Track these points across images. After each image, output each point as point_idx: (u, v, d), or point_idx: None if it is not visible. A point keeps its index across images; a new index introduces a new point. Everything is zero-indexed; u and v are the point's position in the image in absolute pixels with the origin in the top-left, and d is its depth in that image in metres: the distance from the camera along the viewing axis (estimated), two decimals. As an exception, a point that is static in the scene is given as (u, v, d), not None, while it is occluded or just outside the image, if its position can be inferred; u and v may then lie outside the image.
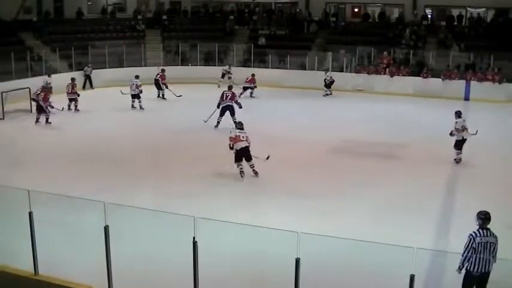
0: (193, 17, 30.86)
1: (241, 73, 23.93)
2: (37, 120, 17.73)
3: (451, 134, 13.41)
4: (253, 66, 25.62)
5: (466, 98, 22.66)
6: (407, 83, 23.71)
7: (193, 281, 6.66)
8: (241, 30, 29.42)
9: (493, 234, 6.70)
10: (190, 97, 21.37)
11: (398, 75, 24.08)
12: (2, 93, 18.31)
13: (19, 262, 7.69)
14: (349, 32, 27.80)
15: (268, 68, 25.49)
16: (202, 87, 23.23)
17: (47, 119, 17.79)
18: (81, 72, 23.90)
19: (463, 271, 6.74)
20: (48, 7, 28.73)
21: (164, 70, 22.54)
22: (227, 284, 7.62)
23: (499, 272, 6.75)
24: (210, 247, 6.95)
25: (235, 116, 16.83)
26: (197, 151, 14.35)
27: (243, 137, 12.35)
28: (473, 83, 22.85)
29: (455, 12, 28.07)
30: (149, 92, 21.00)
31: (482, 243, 6.60)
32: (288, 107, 20.77)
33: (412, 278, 5.69)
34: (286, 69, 25.61)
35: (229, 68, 24.41)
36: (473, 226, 6.79)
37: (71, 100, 19.62)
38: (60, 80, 21.32)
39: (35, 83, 19.69)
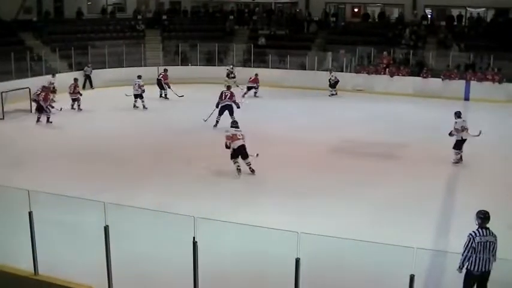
0: (193, 17, 30.86)
1: (241, 73, 24.05)
2: (38, 120, 17.75)
3: (451, 134, 13.40)
4: (253, 66, 25.59)
5: (466, 98, 22.66)
6: (407, 83, 23.71)
7: (193, 281, 6.66)
8: (241, 30, 29.42)
9: (492, 233, 6.70)
10: (192, 97, 21.36)
11: (398, 75, 24.08)
12: (2, 93, 18.31)
13: (19, 262, 7.68)
14: (349, 32, 27.80)
15: (268, 68, 25.47)
16: (203, 87, 23.21)
17: (48, 118, 17.83)
18: (81, 72, 23.90)
19: (464, 270, 6.75)
20: (48, 7, 28.72)
21: (167, 70, 22.61)
22: (227, 284, 7.62)
23: (499, 272, 6.76)
24: (210, 247, 6.94)
25: (234, 115, 16.86)
26: (197, 151, 14.35)
27: (239, 135, 12.46)
28: (473, 83, 22.85)
29: (455, 12, 28.07)
30: (151, 91, 21.01)
31: (482, 243, 6.60)
32: (288, 107, 20.78)
33: (412, 278, 5.69)
34: (286, 69, 25.61)
35: (232, 68, 24.50)
36: (473, 226, 6.79)
37: (73, 100, 19.74)
38: (60, 80, 21.38)
39: (35, 83, 19.67)
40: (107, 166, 13.30)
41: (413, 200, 11.01)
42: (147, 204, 8.56)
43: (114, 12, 30.90)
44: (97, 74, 24.34)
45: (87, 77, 24.03)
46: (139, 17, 29.44)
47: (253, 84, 22.81)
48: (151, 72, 23.05)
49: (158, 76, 22.36)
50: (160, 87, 22.14)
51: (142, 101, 20.01)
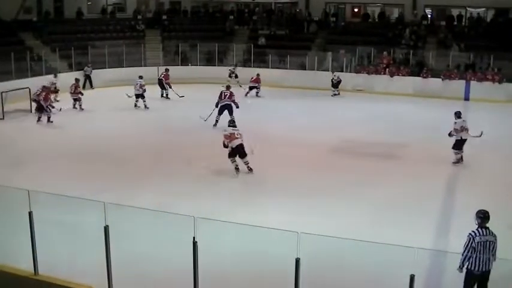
0: (193, 17, 30.86)
1: (242, 73, 24.17)
2: (39, 119, 17.80)
3: (450, 134, 13.38)
4: (253, 67, 25.61)
5: (466, 98, 22.66)
6: (407, 83, 23.71)
7: (193, 281, 6.66)
8: (241, 30, 29.41)
9: (492, 233, 6.70)
10: (193, 97, 21.33)
11: (398, 75, 24.08)
12: (1, 93, 18.30)
13: (19, 262, 7.68)
14: (349, 32, 27.80)
15: (268, 68, 25.45)
16: (203, 87, 23.19)
17: (49, 118, 17.86)
18: (81, 72, 23.90)
19: (464, 270, 6.74)
20: (48, 7, 28.72)
21: (168, 70, 22.64)
22: (227, 284, 7.62)
23: (499, 272, 6.76)
24: (210, 247, 6.94)
25: (234, 115, 16.92)
26: (197, 151, 14.35)
27: (237, 134, 12.56)
28: (473, 83, 22.85)
29: (455, 12, 28.07)
30: (152, 91, 21.02)
31: (482, 242, 6.60)
32: (288, 107, 20.78)
33: (412, 278, 5.69)
34: (286, 69, 25.61)
35: (235, 69, 24.58)
36: (473, 226, 6.78)
37: (75, 100, 19.83)
38: (61, 80, 21.48)
39: (35, 83, 19.67)
40: (107, 166, 13.30)
41: (413, 200, 11.01)
42: (147, 204, 8.55)
43: (114, 12, 30.90)
44: (97, 74, 24.35)
45: (87, 77, 24.03)
46: (139, 17, 29.44)
47: (255, 84, 22.89)
48: (151, 72, 23.05)
49: (159, 76, 22.39)
50: (161, 87, 22.17)
51: (144, 101, 20.05)
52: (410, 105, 21.03)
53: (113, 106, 20.34)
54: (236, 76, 24.12)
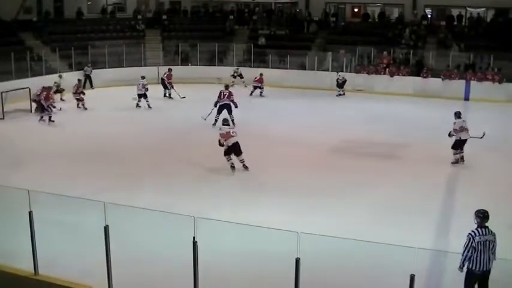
0: (193, 17, 30.85)
1: (244, 73, 24.33)
2: (41, 118, 17.92)
3: (450, 134, 13.37)
4: (253, 66, 25.60)
5: (466, 98, 22.66)
6: (407, 83, 23.70)
7: (193, 281, 6.66)
8: (241, 30, 29.41)
9: (491, 232, 6.71)
10: (194, 97, 21.33)
11: (398, 75, 24.07)
12: (2, 93, 18.32)
13: (19, 262, 7.68)
14: (349, 32, 27.79)
15: (268, 68, 25.42)
16: (204, 87, 23.17)
17: (50, 117, 17.92)
18: (81, 72, 23.92)
19: (464, 270, 6.74)
20: (48, 7, 28.72)
21: (171, 70, 22.70)
22: (227, 284, 7.62)
23: (499, 272, 6.76)
24: (210, 247, 6.94)
25: (233, 114, 17.14)
26: (197, 150, 14.36)
27: (233, 132, 12.74)
28: (473, 83, 22.84)
29: (455, 12, 28.06)
30: (154, 91, 21.02)
31: (482, 242, 6.60)
32: (288, 107, 20.78)
33: (412, 278, 5.68)
34: (286, 69, 25.60)
35: (238, 69, 24.69)
36: (473, 226, 6.78)
37: (77, 100, 19.96)
38: (64, 80, 21.67)
39: (35, 83, 19.71)
40: (107, 166, 13.31)
41: (413, 200, 11.01)
42: (147, 204, 8.54)
43: (114, 12, 30.89)
44: (97, 74, 24.35)
45: (87, 77, 24.03)
46: (139, 16, 29.43)
47: (259, 84, 23.04)
48: (151, 72, 23.05)
49: (162, 75, 22.45)
50: (164, 87, 22.25)
51: (147, 101, 20.11)
52: (410, 105, 21.03)
53: (113, 106, 20.36)
54: (241, 76, 24.35)
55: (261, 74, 23.24)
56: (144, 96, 20.04)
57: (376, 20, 28.98)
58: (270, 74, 24.53)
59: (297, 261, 6.07)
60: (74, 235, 8.83)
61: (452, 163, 13.38)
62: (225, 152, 12.67)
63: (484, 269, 6.64)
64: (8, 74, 20.59)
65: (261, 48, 26.95)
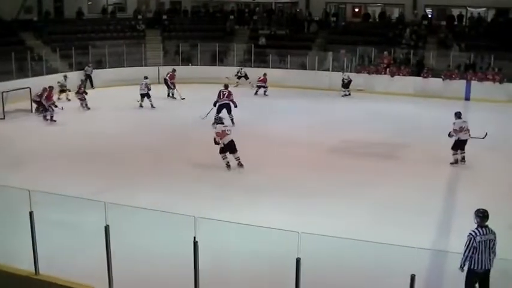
0: (193, 17, 30.85)
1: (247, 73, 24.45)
2: (45, 118, 18.04)
3: (449, 135, 13.36)
4: (254, 66, 25.64)
5: (467, 98, 22.67)
6: (407, 83, 23.70)
7: (193, 280, 6.66)
8: (241, 30, 29.42)
9: (491, 231, 6.71)
10: (196, 97, 21.30)
11: (398, 75, 24.07)
12: (2, 93, 18.33)
13: (20, 262, 7.69)
14: (349, 32, 27.80)
15: (268, 68, 25.43)
16: (204, 87, 23.16)
17: (52, 117, 17.98)
18: (82, 72, 23.93)
19: (465, 270, 6.73)
20: (49, 7, 28.73)
21: (175, 70, 22.81)
22: (228, 284, 7.62)
23: (499, 272, 6.76)
24: (210, 247, 6.94)
25: (232, 114, 17.26)
26: (197, 150, 14.34)
27: (228, 130, 12.89)
28: (473, 83, 22.84)
29: (455, 12, 28.07)
30: (156, 91, 21.01)
31: (483, 241, 6.61)
32: (289, 106, 20.78)
33: (412, 277, 5.69)
34: (287, 69, 25.62)
35: (241, 69, 24.81)
36: (474, 226, 6.78)
37: (80, 99, 20.08)
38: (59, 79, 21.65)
39: (36, 82, 19.75)
40: (108, 166, 13.32)
41: (413, 200, 11.01)
42: (147, 204, 8.55)
43: (115, 12, 30.89)
44: (97, 74, 24.37)
45: (88, 77, 24.06)
46: (139, 16, 29.43)
47: (262, 84, 23.19)
48: (152, 72, 23.02)
49: (165, 75, 22.50)
50: (168, 87, 22.29)
51: (150, 100, 20.17)
52: (410, 105, 21.03)
53: (113, 106, 20.39)
54: (246, 77, 24.51)
55: (265, 74, 23.40)
56: (147, 95, 20.10)
57: (377, 20, 28.98)
58: (270, 74, 24.50)
59: (298, 261, 6.07)
60: (75, 235, 8.83)
61: (452, 164, 13.37)
62: (220, 150, 12.80)
63: (485, 268, 6.64)
64: (9, 74, 20.62)
65: (261, 48, 26.96)
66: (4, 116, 18.24)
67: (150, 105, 20.15)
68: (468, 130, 13.25)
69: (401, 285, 5.87)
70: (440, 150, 14.00)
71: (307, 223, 8.81)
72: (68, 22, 28.22)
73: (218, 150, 12.82)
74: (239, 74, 24.73)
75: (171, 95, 22.36)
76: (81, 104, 20.04)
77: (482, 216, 6.74)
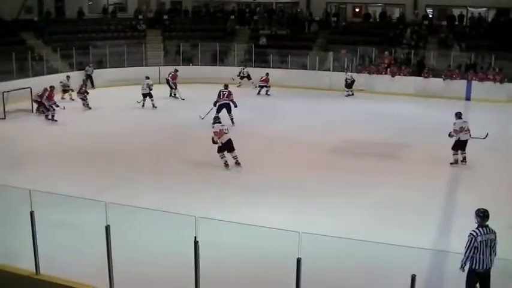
0: (194, 17, 30.88)
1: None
2: (46, 117, 18.09)
3: (450, 135, 13.36)
4: (254, 66, 25.66)
5: (467, 98, 22.66)
6: (408, 83, 23.71)
7: (194, 280, 6.66)
8: (242, 30, 29.43)
9: (492, 230, 6.72)
10: (197, 97, 21.31)
11: (399, 75, 24.08)
12: (3, 93, 18.35)
13: (20, 261, 7.70)
14: (350, 32, 27.80)
15: (269, 68, 25.43)
16: (205, 87, 23.16)
17: (53, 116, 18.01)
18: (83, 72, 23.95)
19: (466, 269, 6.73)
20: (49, 7, 28.76)
21: (177, 70, 22.88)
22: (228, 284, 7.62)
23: (500, 272, 6.75)
24: (211, 247, 6.95)
25: (232, 113, 17.29)
26: (198, 150, 14.35)
27: (225, 130, 12.98)
28: (474, 83, 22.84)
29: (456, 12, 28.08)
30: (157, 91, 21.02)
31: (484, 241, 6.60)
32: (289, 106, 20.77)
33: (413, 278, 5.69)
34: (287, 69, 25.62)
35: (243, 69, 24.86)
36: (474, 225, 6.77)
37: (81, 99, 20.17)
38: (60, 79, 21.68)
39: (36, 82, 19.77)
40: (108, 165, 13.33)
41: (413, 200, 11.01)
42: (148, 204, 8.56)
43: (115, 12, 30.90)
44: (98, 74, 24.40)
45: (89, 77, 24.08)
46: (140, 16, 29.46)
47: (265, 84, 23.27)
48: (153, 72, 23.02)
49: (167, 76, 22.53)
50: (170, 87, 22.32)
51: (152, 100, 20.21)
52: (411, 105, 21.03)
53: (114, 106, 20.42)
54: (249, 78, 24.56)
55: (267, 74, 23.45)
56: (150, 95, 20.15)
57: (377, 20, 28.99)
58: (271, 74, 24.51)
59: (298, 261, 6.07)
60: (75, 235, 8.84)
61: (451, 164, 13.37)
62: (218, 149, 12.87)
63: (487, 267, 6.65)
64: (10, 74, 20.66)
65: (262, 48, 26.97)
66: (5, 116, 18.25)
67: (152, 105, 20.19)
68: (469, 130, 13.24)
69: (401, 285, 5.87)
70: (440, 150, 13.98)
71: (307, 223, 8.81)
72: (69, 22, 28.25)
73: (216, 150, 12.85)
74: (242, 75, 24.77)
75: (173, 94, 22.39)
76: (83, 104, 20.10)
77: (482, 216, 6.73)
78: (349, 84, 23.27)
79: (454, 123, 13.27)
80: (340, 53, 25.42)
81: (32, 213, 7.26)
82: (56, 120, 17.92)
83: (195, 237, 6.46)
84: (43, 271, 7.48)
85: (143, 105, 20.18)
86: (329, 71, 24.87)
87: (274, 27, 28.75)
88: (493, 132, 14.37)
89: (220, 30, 29.02)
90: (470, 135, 13.26)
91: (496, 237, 6.71)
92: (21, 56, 21.75)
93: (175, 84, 22.22)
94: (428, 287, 7.46)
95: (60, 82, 21.40)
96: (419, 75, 23.80)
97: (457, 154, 13.31)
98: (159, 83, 22.91)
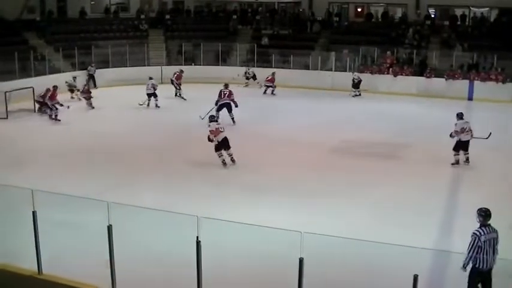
0: (196, 17, 30.90)
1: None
2: (50, 117, 18.12)
3: (451, 135, 13.34)
4: (257, 66, 25.65)
5: (470, 98, 22.62)
6: (410, 83, 23.68)
7: (196, 280, 6.67)
8: (244, 30, 29.43)
9: (494, 229, 6.73)
10: (199, 97, 21.27)
11: (401, 75, 24.06)
12: (5, 92, 18.35)
13: (23, 261, 7.71)
14: (352, 32, 27.79)
15: (271, 67, 25.40)
16: (207, 87, 23.15)
17: (56, 116, 18.04)
18: (85, 71, 23.98)
19: (468, 269, 6.73)
20: (52, 7, 28.77)
21: (183, 71, 22.96)
22: (230, 284, 7.62)
23: (499, 272, 6.75)
24: (213, 246, 6.96)
25: (233, 113, 17.33)
26: (199, 150, 14.30)
27: (221, 128, 13.09)
28: (476, 82, 22.79)
29: (458, 12, 28.02)
30: (160, 91, 21.02)
31: (487, 241, 6.61)
32: (291, 106, 20.76)
33: (415, 277, 5.69)
34: (290, 69, 25.60)
35: (248, 69, 24.96)
36: (476, 225, 6.77)
37: (85, 98, 20.24)
38: (63, 79, 21.63)
39: (39, 82, 19.81)
40: (111, 165, 13.35)
41: (415, 199, 11.00)
42: (150, 204, 8.57)
43: (118, 11, 30.92)
44: (100, 74, 24.41)
45: (91, 77, 24.10)
46: (142, 16, 29.48)
47: (270, 84, 23.32)
48: (155, 72, 23.06)
49: (172, 76, 22.61)
50: (175, 87, 22.37)
51: (156, 100, 20.24)
52: (413, 105, 21.01)
53: (116, 105, 20.44)
54: (255, 78, 24.60)
55: (273, 73, 23.50)
56: (154, 95, 20.19)
57: (380, 20, 28.96)
58: (272, 73, 24.61)
59: (301, 261, 6.08)
60: (78, 235, 8.85)
61: (453, 164, 13.35)
62: (215, 147, 12.95)
63: (490, 266, 6.65)
64: (12, 74, 20.71)
65: (264, 48, 26.96)
66: (7, 116, 18.27)
67: (155, 105, 20.21)
68: (471, 130, 13.22)
69: (403, 285, 5.86)
70: (442, 150, 13.95)
71: (307, 223, 8.79)
72: (71, 22, 28.28)
73: (214, 149, 12.92)
74: (247, 75, 24.80)
75: (178, 95, 22.42)
76: (87, 103, 20.15)
77: (484, 215, 6.74)
78: (356, 84, 23.20)
79: (456, 124, 13.25)
80: (342, 53, 25.41)
81: (34, 213, 7.27)
82: (60, 120, 17.97)
83: (197, 237, 6.47)
84: (45, 271, 7.49)
85: (148, 105, 20.25)
86: (331, 71, 24.86)
87: (277, 27, 28.76)
88: (496, 132, 14.35)
89: (222, 30, 29.03)
90: (472, 135, 13.24)
91: (498, 236, 6.71)
92: (23, 56, 21.80)
93: (179, 85, 22.25)
94: (430, 287, 7.46)
95: (66, 82, 21.40)
96: (421, 75, 23.77)
97: (458, 155, 13.30)
98: (161, 83, 22.89)
